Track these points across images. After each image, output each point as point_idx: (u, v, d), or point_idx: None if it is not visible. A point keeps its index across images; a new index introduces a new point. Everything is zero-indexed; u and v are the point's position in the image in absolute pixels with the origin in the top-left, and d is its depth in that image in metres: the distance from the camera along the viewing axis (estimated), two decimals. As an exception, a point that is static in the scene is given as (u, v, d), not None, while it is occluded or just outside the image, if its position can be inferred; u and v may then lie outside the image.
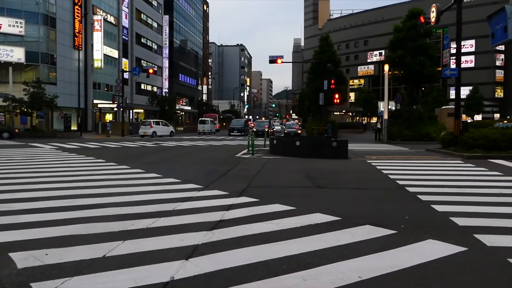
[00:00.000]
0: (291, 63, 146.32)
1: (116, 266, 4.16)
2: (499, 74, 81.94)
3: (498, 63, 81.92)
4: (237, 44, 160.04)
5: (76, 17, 48.29)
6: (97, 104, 52.27)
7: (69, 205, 7.15)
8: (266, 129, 41.46)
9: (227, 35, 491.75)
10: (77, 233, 5.36)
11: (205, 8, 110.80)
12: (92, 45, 51.59)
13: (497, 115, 77.38)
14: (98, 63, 52.01)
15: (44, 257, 4.41)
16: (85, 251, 4.60)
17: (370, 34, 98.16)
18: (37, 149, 21.21)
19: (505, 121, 35.73)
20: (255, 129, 43.32)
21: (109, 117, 56.40)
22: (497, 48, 71.43)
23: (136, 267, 4.16)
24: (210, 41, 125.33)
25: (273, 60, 34.88)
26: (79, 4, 48.93)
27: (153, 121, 40.72)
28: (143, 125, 39.65)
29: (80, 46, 48.76)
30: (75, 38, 48.37)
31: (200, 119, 54.58)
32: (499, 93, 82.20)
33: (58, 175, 11.00)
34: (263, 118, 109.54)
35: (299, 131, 43.70)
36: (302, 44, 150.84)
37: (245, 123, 49.51)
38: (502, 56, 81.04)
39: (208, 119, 53.63)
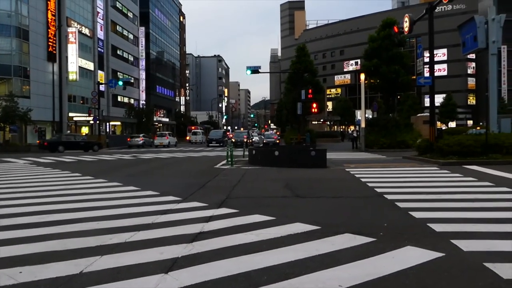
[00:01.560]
0: (268, 73, 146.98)
1: (93, 282, 4.06)
2: (471, 82, 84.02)
3: (469, 71, 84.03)
4: (214, 55, 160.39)
5: (49, 29, 47.62)
6: (73, 117, 51.51)
7: (45, 220, 6.99)
8: (245, 140, 41.16)
9: (204, 46, 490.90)
10: (53, 249, 5.23)
11: (181, 19, 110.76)
12: (67, 57, 50.85)
13: (470, 122, 79.24)
14: (73, 75, 51.27)
15: (18, 275, 4.29)
16: (61, 268, 4.49)
17: (346, 44, 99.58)
18: (10, 164, 20.72)
19: (478, 128, 36.57)
20: (234, 140, 43.04)
21: (85, 130, 55.62)
22: (468, 56, 73.43)
23: (114, 282, 4.08)
24: (187, 52, 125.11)
25: (255, 71, 35.12)
26: (52, 16, 48.31)
27: (168, 133, 50.06)
28: (159, 137, 47.74)
29: (54, 58, 48.04)
30: (49, 51, 47.63)
31: (192, 131, 59.98)
32: (472, 101, 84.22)
33: (33, 190, 10.76)
34: (242, 129, 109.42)
35: (278, 141, 43.84)
36: (279, 54, 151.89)
37: (223, 134, 49.67)
38: (473, 64, 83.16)
39: (199, 130, 60.18)
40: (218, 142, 45.63)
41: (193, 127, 65.92)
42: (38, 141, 36.13)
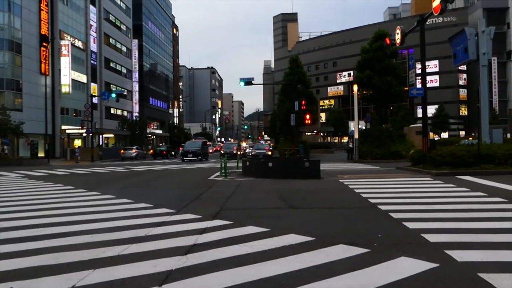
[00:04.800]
0: (262, 85, 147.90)
1: (86, 296, 4.02)
2: (463, 93, 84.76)
3: (461, 82, 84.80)
4: (208, 67, 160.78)
5: (42, 42, 47.58)
6: (65, 129, 51.26)
7: (37, 234, 6.92)
8: (235, 151, 39.03)
9: (197, 58, 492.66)
10: (45, 263, 5.17)
11: (174, 31, 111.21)
12: (60, 70, 50.79)
13: (462, 133, 79.71)
14: (66, 88, 51.16)
15: (10, 290, 4.24)
16: (53, 282, 4.44)
17: (338, 55, 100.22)
18: (1, 177, 20.55)
19: (470, 138, 36.76)
20: (222, 151, 40.11)
21: (78, 142, 55.35)
22: (460, 68, 74.09)
23: (107, 296, 4.03)
24: (180, 64, 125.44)
25: (248, 82, 35.19)
26: (45, 29, 48.31)
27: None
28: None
29: (47, 71, 47.94)
30: (42, 64, 47.53)
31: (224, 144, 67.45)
32: (464, 111, 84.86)
33: (25, 204, 10.66)
34: (232, 140, 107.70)
35: (270, 153, 40.31)
36: (273, 66, 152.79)
37: (203, 145, 41.66)
38: (465, 75, 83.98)
39: (210, 142, 64.18)
40: (195, 155, 38.17)
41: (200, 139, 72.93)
42: (151, 151, 49.20)
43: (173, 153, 49.88)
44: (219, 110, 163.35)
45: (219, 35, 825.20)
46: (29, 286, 4.34)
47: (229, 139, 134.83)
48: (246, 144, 71.91)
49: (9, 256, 5.53)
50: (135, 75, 76.08)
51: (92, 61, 59.23)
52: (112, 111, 66.46)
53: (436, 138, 53.76)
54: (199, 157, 38.47)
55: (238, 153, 39.36)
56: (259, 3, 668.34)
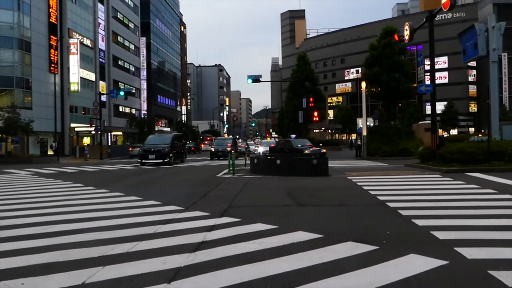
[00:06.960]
0: (269, 82, 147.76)
1: (95, 293, 4.04)
2: (472, 89, 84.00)
3: (470, 78, 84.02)
4: (215, 64, 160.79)
5: (51, 41, 47.88)
6: (74, 127, 51.59)
7: (46, 231, 6.98)
8: (229, 149, 32.28)
9: (205, 55, 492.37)
10: (55, 260, 5.21)
11: (182, 29, 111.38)
12: (68, 68, 51.05)
13: (472, 129, 79.04)
14: (74, 86, 51.43)
15: (20, 287, 4.28)
16: (63, 279, 4.47)
17: (346, 52, 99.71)
18: (12, 175, 20.73)
19: (480, 135, 36.47)
20: (213, 149, 35.33)
21: (86, 140, 55.67)
22: (469, 64, 73.49)
23: (116, 293, 4.05)
24: (188, 61, 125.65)
25: (256, 79, 35.18)
26: (54, 28, 48.60)
27: (209, 142, 63.35)
28: (205, 145, 61.47)
29: (56, 69, 48.21)
30: (51, 62, 47.83)
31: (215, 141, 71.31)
32: (473, 108, 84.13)
33: (35, 201, 10.75)
34: (226, 135, 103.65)
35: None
36: (280, 63, 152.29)
37: (174, 141, 28.79)
38: (474, 71, 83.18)
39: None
40: (160, 157, 26.62)
41: (208, 138, 78.38)
42: (192, 148, 54.26)
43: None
44: (227, 107, 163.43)
45: (223, 35, 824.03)
46: (39, 283, 4.38)
47: (237, 136, 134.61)
48: (253, 142, 71.31)
49: (19, 253, 5.57)
50: (143, 73, 76.32)
51: (100, 59, 59.49)
52: (120, 109, 66.79)
53: (445, 135, 53.38)
54: (166, 159, 26.70)
55: (233, 151, 30.13)
56: (262, 3, 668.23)
